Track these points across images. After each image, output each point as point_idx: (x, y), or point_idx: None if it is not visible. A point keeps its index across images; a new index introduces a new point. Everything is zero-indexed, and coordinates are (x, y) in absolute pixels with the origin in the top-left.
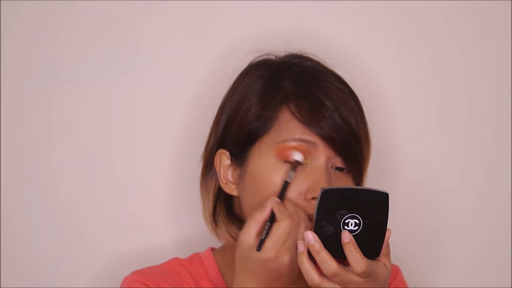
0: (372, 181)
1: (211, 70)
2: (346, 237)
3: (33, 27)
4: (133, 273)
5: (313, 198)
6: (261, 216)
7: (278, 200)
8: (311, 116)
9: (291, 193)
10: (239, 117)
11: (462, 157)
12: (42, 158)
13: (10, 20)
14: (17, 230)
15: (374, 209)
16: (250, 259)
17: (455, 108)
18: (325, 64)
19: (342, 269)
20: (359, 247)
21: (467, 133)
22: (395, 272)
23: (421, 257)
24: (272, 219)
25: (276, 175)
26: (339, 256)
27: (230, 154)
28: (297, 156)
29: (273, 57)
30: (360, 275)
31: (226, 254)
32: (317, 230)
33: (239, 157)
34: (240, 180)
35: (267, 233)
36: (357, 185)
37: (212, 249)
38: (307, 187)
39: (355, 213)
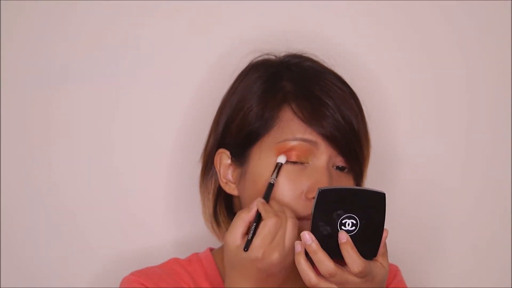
0: (372, 181)
1: (211, 70)
2: (343, 237)
3: (33, 27)
4: (132, 273)
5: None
6: (247, 216)
7: (263, 200)
8: (312, 115)
9: (292, 192)
10: (239, 117)
11: (462, 157)
12: (42, 158)
13: (10, 20)
14: (17, 230)
15: (371, 209)
16: (239, 260)
17: (455, 108)
18: (325, 64)
19: (339, 269)
20: (356, 247)
21: (467, 133)
22: (394, 272)
23: (421, 257)
24: (258, 219)
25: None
26: (336, 256)
27: (231, 153)
28: (281, 159)
29: (273, 57)
30: (357, 275)
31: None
32: (314, 230)
33: (240, 156)
34: (240, 179)
35: (254, 233)
36: (357, 185)
37: (211, 250)
38: (308, 186)
39: (352, 213)
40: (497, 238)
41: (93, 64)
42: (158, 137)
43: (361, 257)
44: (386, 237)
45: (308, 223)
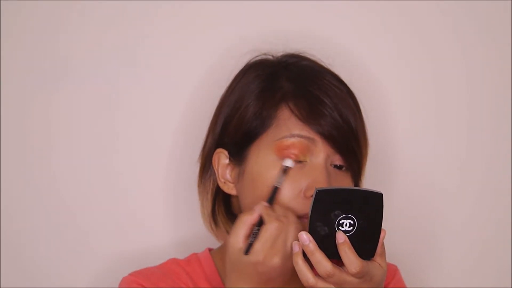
0: (370, 181)
1: (210, 70)
2: (341, 238)
3: (33, 27)
4: (131, 274)
5: None
6: (249, 219)
7: (266, 204)
8: (310, 114)
9: (291, 191)
10: (237, 116)
11: (461, 158)
12: (42, 158)
13: (10, 20)
14: (17, 230)
15: (368, 209)
16: (239, 262)
17: (455, 108)
18: (322, 64)
19: (337, 270)
20: (354, 248)
21: (466, 134)
22: (393, 272)
23: (420, 257)
24: (260, 223)
25: (275, 173)
26: (334, 256)
27: (229, 153)
28: (287, 162)
29: (270, 57)
30: (355, 275)
31: (224, 255)
32: (312, 231)
33: (238, 156)
34: (239, 179)
35: (255, 237)
36: (355, 183)
37: (210, 250)
38: (307, 185)
39: (350, 214)
40: (496, 238)
41: (93, 64)
42: (157, 136)
43: (358, 257)
44: (383, 237)
45: (307, 222)
